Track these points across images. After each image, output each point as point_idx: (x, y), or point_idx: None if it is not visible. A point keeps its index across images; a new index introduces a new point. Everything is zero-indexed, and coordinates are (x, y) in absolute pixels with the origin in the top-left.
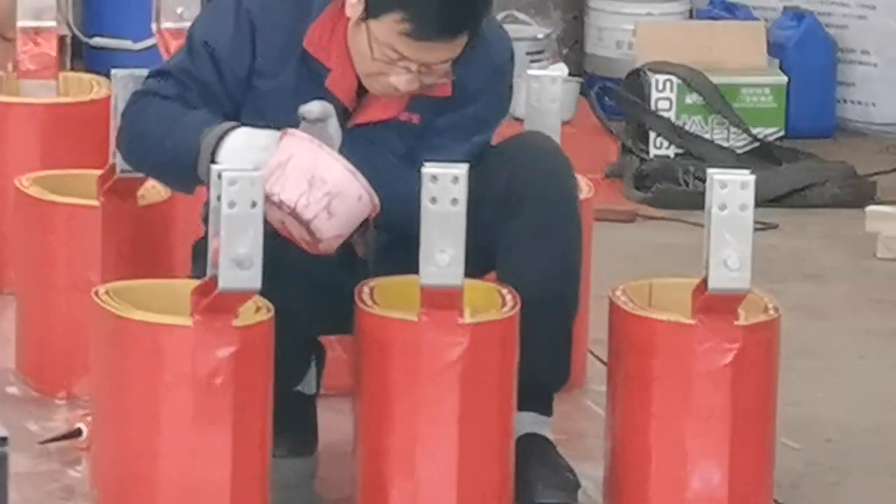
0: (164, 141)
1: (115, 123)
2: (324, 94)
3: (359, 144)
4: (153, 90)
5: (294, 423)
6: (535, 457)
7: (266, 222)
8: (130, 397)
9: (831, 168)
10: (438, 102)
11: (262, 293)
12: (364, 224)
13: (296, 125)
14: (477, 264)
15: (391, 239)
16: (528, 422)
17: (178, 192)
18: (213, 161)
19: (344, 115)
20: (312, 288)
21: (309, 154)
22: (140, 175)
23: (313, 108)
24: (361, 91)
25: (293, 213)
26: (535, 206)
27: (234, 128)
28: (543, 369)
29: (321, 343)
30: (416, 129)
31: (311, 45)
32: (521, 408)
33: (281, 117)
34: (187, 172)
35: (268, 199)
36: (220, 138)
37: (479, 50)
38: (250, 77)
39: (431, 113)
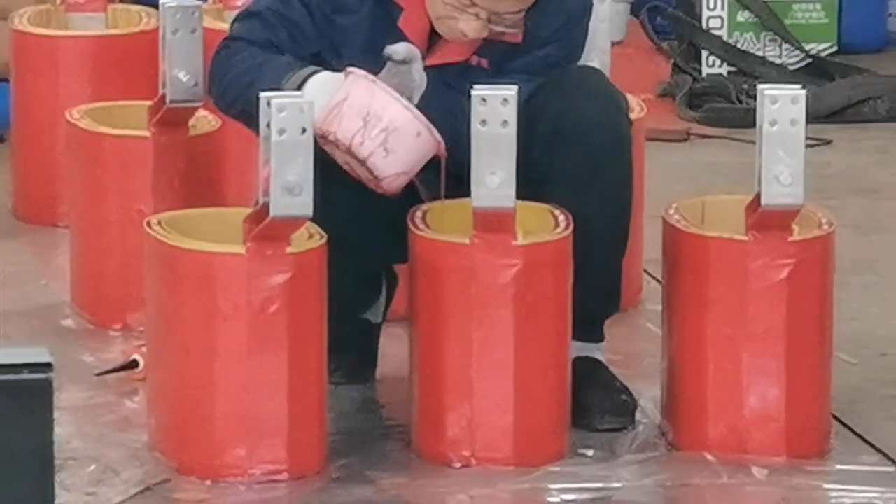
0: (250, 89)
1: (163, 54)
2: (396, 34)
3: (430, 86)
4: (242, 34)
5: (356, 351)
6: (589, 380)
7: (319, 150)
8: (185, 328)
9: (884, 82)
10: (509, 48)
11: (319, 222)
12: (431, 163)
13: (369, 64)
14: (526, 198)
15: (456, 187)
16: (580, 347)
17: None
18: None
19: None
20: (370, 216)
21: (365, 92)
22: (190, 105)
23: (399, 49)
24: (434, 34)
25: (349, 151)
26: (583, 148)
27: (312, 73)
28: (594, 302)
29: (394, 272)
30: (486, 73)
31: None
32: (572, 336)
33: (355, 54)
34: None
35: (325, 138)
36: (300, 86)
37: None
38: (334, 13)
39: (501, 57)
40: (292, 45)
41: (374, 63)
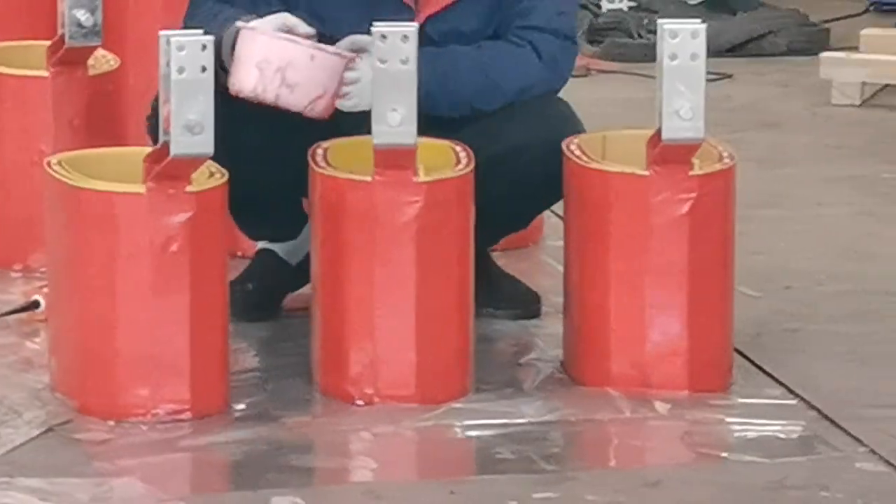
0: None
1: None
2: None
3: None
4: None
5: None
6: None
7: (217, 85)
8: (86, 267)
9: (785, 16)
10: None
11: (219, 160)
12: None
13: None
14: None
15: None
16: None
17: None
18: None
19: (408, 13)
20: (272, 151)
21: (250, 41)
22: (89, 45)
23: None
24: None
25: (258, 101)
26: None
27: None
28: (496, 234)
29: None
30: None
31: None
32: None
33: None
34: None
35: (240, 96)
36: (235, 40)
37: None
38: None
39: None
40: None
41: None
